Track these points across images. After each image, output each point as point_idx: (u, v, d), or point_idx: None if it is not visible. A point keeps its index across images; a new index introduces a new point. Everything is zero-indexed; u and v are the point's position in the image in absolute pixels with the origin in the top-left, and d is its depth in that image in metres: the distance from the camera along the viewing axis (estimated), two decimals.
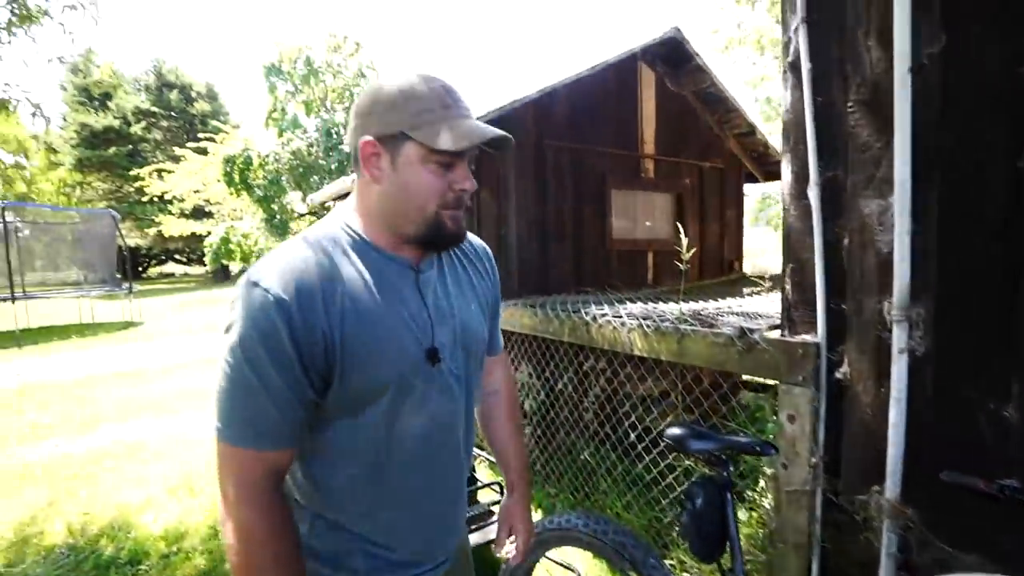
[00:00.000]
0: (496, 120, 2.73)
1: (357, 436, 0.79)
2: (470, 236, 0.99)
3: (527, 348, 2.74)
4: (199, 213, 16.04)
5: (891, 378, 1.25)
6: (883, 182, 1.30)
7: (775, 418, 2.48)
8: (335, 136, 11.30)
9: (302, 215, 12.01)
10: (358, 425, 0.78)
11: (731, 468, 1.27)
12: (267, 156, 10.62)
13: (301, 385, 0.72)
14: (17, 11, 2.80)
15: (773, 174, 4.52)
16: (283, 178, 10.93)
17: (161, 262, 30.33)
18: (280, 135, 12.24)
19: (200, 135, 14.04)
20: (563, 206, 3.14)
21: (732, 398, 2.48)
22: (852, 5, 1.36)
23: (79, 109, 25.14)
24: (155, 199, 15.69)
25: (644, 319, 1.98)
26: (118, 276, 12.23)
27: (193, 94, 27.52)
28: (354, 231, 0.81)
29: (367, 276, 0.77)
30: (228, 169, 10.56)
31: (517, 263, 2.91)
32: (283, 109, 13.92)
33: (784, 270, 1.62)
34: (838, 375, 1.45)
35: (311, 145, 11.39)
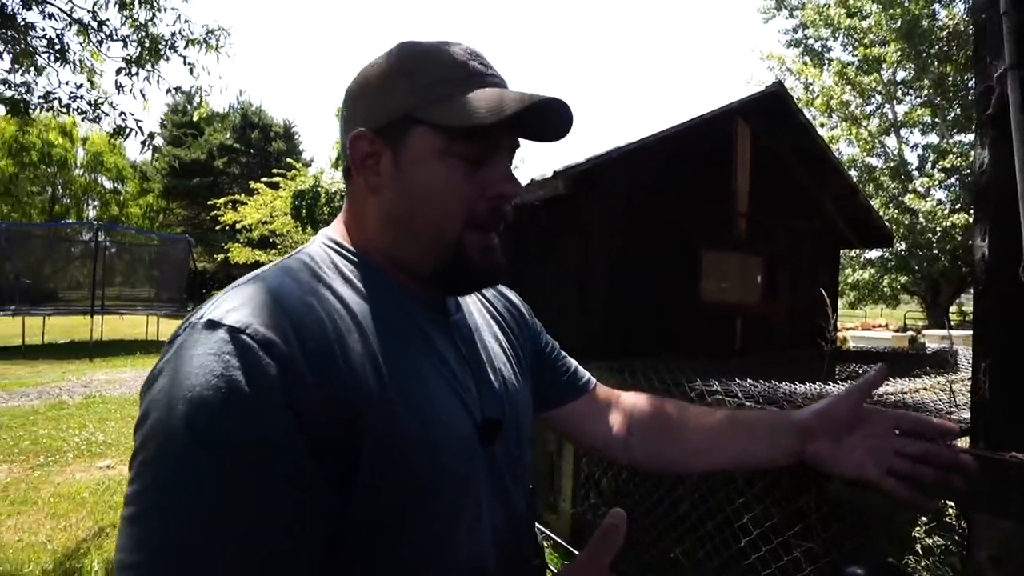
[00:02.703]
0: (587, 171, 2.58)
1: None
2: None
3: None
4: (264, 243, 16.89)
5: None
6: None
7: (938, 545, 2.05)
8: None
9: None
10: (390, 559, 0.46)
11: None
12: (335, 193, 11.09)
13: (316, 493, 0.41)
14: (148, 46, 3.00)
15: (873, 240, 4.13)
16: None
17: (221, 285, 32.13)
18: None
19: (274, 171, 14.98)
20: (651, 263, 2.91)
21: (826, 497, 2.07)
22: None
23: (173, 143, 27.85)
24: (227, 227, 16.71)
25: (768, 402, 1.68)
26: (185, 297, 12.89)
27: (272, 133, 29.88)
28: (352, 253, 0.54)
29: (385, 314, 0.50)
30: (297, 203, 11.08)
31: (601, 321, 2.68)
32: None
33: (977, 366, 1.30)
34: None
35: None
